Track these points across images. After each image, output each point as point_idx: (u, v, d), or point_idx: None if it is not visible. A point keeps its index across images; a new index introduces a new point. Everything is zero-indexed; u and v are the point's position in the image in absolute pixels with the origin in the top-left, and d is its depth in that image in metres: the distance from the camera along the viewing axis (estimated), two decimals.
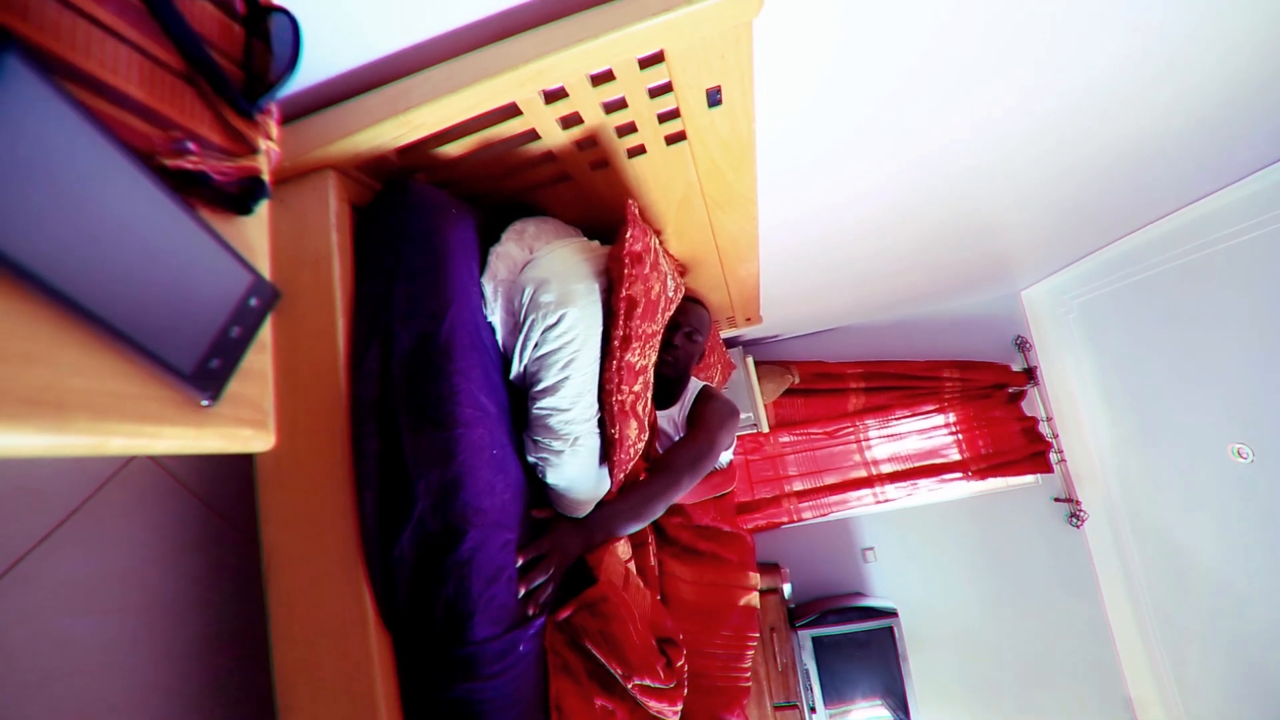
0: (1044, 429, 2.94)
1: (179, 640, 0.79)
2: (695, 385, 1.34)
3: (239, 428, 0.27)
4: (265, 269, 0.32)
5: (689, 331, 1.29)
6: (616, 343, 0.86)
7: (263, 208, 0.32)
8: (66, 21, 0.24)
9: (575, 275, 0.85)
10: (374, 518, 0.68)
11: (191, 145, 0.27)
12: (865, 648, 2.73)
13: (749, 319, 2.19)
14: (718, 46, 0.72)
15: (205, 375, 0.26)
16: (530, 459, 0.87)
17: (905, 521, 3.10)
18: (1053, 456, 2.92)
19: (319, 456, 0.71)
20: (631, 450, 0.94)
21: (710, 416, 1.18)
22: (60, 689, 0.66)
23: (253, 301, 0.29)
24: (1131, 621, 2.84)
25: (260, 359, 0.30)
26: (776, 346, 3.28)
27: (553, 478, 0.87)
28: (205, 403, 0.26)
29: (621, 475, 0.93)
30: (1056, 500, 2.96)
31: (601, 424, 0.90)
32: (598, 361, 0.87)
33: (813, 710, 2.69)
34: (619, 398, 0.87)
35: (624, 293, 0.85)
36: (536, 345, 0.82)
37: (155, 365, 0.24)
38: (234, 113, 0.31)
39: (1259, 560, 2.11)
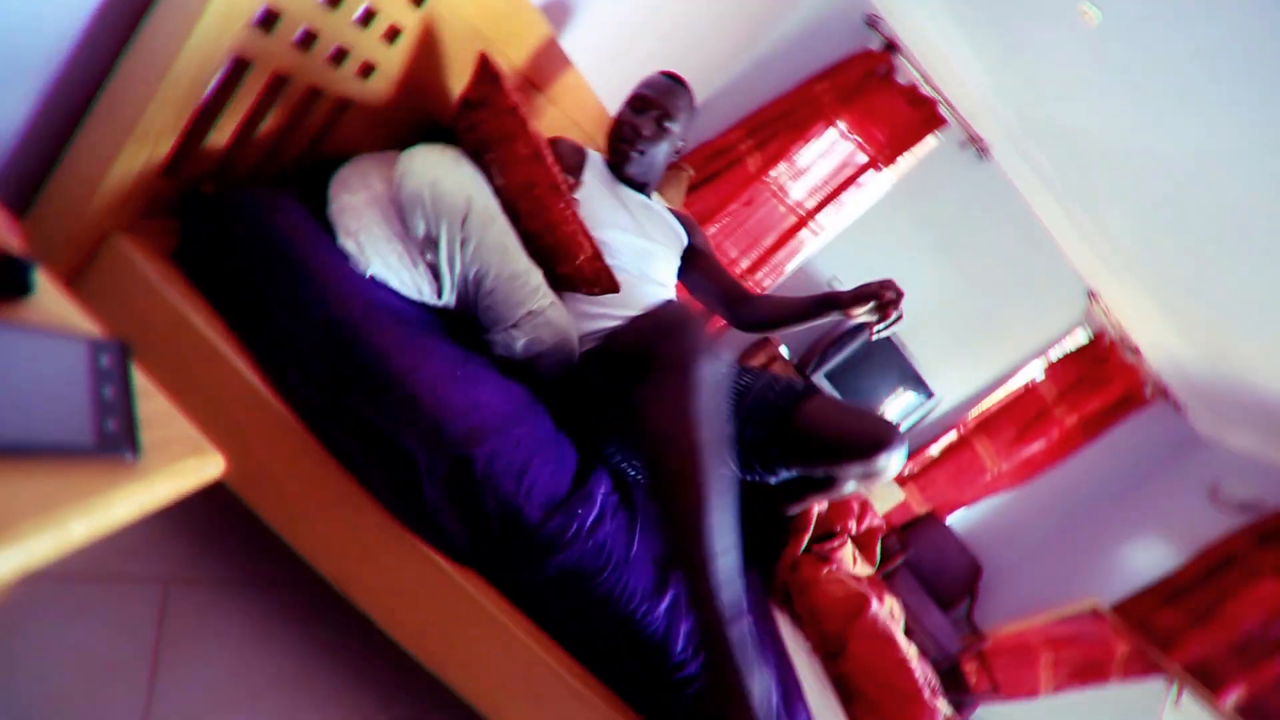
0: (925, 91, 2.98)
1: (331, 704, 0.86)
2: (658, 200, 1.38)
3: (180, 462, 0.29)
4: (93, 330, 0.31)
5: (658, 116, 1.22)
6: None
7: (41, 277, 0.30)
8: None
9: (449, 159, 0.82)
10: (392, 493, 0.72)
11: None
12: (869, 358, 3.04)
13: None
14: None
15: (111, 438, 0.26)
16: (519, 348, 0.89)
17: (852, 239, 3.26)
18: (941, 110, 3.00)
19: (310, 482, 0.73)
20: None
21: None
22: None
23: (104, 361, 0.28)
24: (1062, 218, 3.12)
25: (156, 403, 0.30)
26: None
27: (551, 342, 0.91)
28: (130, 458, 0.27)
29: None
30: (962, 146, 3.10)
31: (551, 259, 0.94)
32: (507, 222, 0.88)
33: None
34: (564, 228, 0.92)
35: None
36: (463, 243, 0.81)
37: (59, 453, 0.25)
38: None
39: (1129, 113, 2.27)
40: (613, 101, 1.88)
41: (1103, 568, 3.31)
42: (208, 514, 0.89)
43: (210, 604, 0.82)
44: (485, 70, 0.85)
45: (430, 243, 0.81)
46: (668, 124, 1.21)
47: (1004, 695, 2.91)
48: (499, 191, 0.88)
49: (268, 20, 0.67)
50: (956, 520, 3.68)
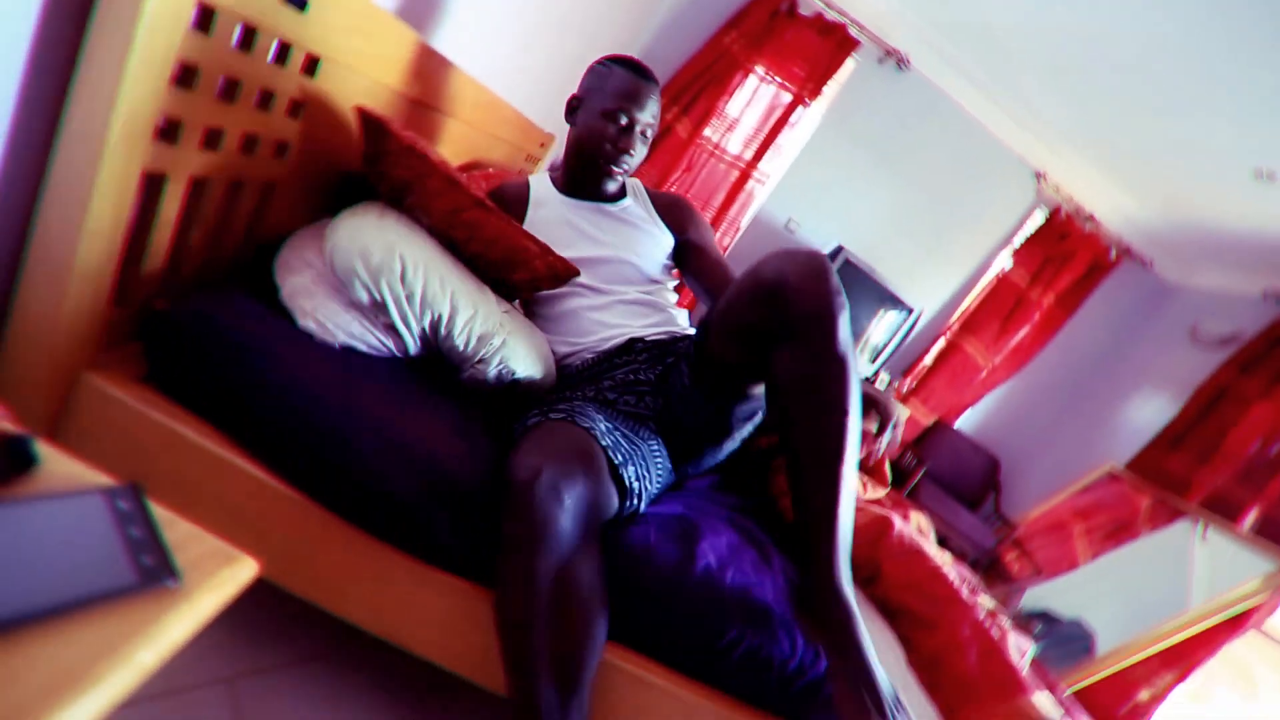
0: (831, 17, 2.99)
1: None
2: (634, 182, 1.30)
3: (217, 574, 0.32)
4: (102, 479, 0.33)
5: (644, 129, 1.15)
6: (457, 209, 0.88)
7: (41, 448, 0.32)
8: None
9: (370, 223, 0.83)
10: (417, 543, 0.76)
11: None
12: (845, 288, 3.08)
13: (543, 143, 2.11)
14: None
15: (151, 572, 0.29)
16: (491, 373, 0.92)
17: (798, 179, 3.29)
18: (852, 31, 3.01)
19: (337, 552, 0.76)
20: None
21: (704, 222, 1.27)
22: None
23: (122, 504, 0.31)
24: (993, 108, 3.16)
25: (179, 527, 0.33)
26: None
27: (520, 367, 0.93)
28: (172, 584, 0.30)
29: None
30: (880, 62, 3.12)
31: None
32: (450, 262, 0.89)
33: None
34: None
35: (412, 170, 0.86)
36: (408, 298, 0.83)
37: (111, 600, 0.27)
38: None
39: None
40: (530, 103, 1.88)
41: (1109, 431, 3.42)
42: (253, 606, 0.92)
43: (279, 688, 0.85)
44: (368, 123, 0.85)
45: (379, 307, 0.83)
46: (650, 133, 1.16)
47: (1047, 575, 3.01)
48: (431, 230, 0.89)
49: (170, 130, 0.68)
50: (964, 422, 3.77)
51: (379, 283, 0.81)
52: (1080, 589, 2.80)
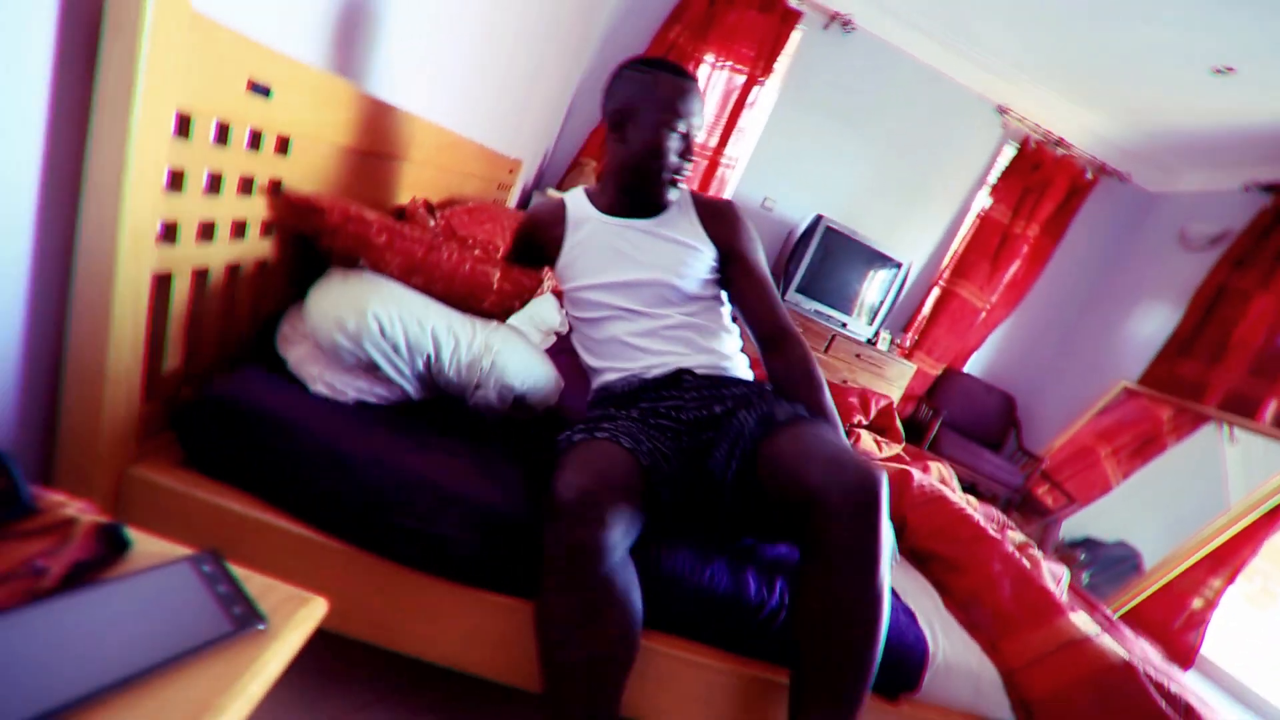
0: None
1: None
2: (681, 192, 1.18)
3: (296, 614, 0.37)
4: (183, 550, 0.39)
5: (690, 138, 1.08)
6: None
7: (130, 535, 0.38)
8: None
9: (336, 291, 0.88)
10: (453, 569, 0.81)
11: (40, 564, 0.32)
12: (830, 256, 3.11)
13: (511, 169, 2.17)
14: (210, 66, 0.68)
15: (242, 619, 0.35)
16: (493, 396, 0.96)
17: (766, 157, 3.33)
18: (791, 3, 3.05)
19: (389, 593, 0.82)
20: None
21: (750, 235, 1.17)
22: None
23: (206, 568, 0.36)
24: (944, 51, 3.19)
25: (255, 580, 0.38)
26: (549, 163, 3.24)
27: (516, 381, 0.97)
28: (262, 626, 0.35)
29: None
30: (826, 28, 3.16)
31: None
32: (423, 300, 0.93)
33: (844, 326, 3.15)
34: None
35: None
36: (394, 350, 0.88)
37: (216, 646, 0.33)
38: (25, 523, 0.35)
39: None
40: (492, 133, 1.94)
41: (1117, 350, 3.43)
42: (317, 662, 0.97)
43: None
44: (293, 208, 0.88)
45: (372, 365, 0.88)
46: (696, 141, 1.12)
47: (1082, 502, 3.01)
48: (394, 279, 0.94)
49: (169, 232, 0.74)
50: (973, 366, 3.79)
51: (362, 345, 0.86)
52: (1118, 510, 2.80)
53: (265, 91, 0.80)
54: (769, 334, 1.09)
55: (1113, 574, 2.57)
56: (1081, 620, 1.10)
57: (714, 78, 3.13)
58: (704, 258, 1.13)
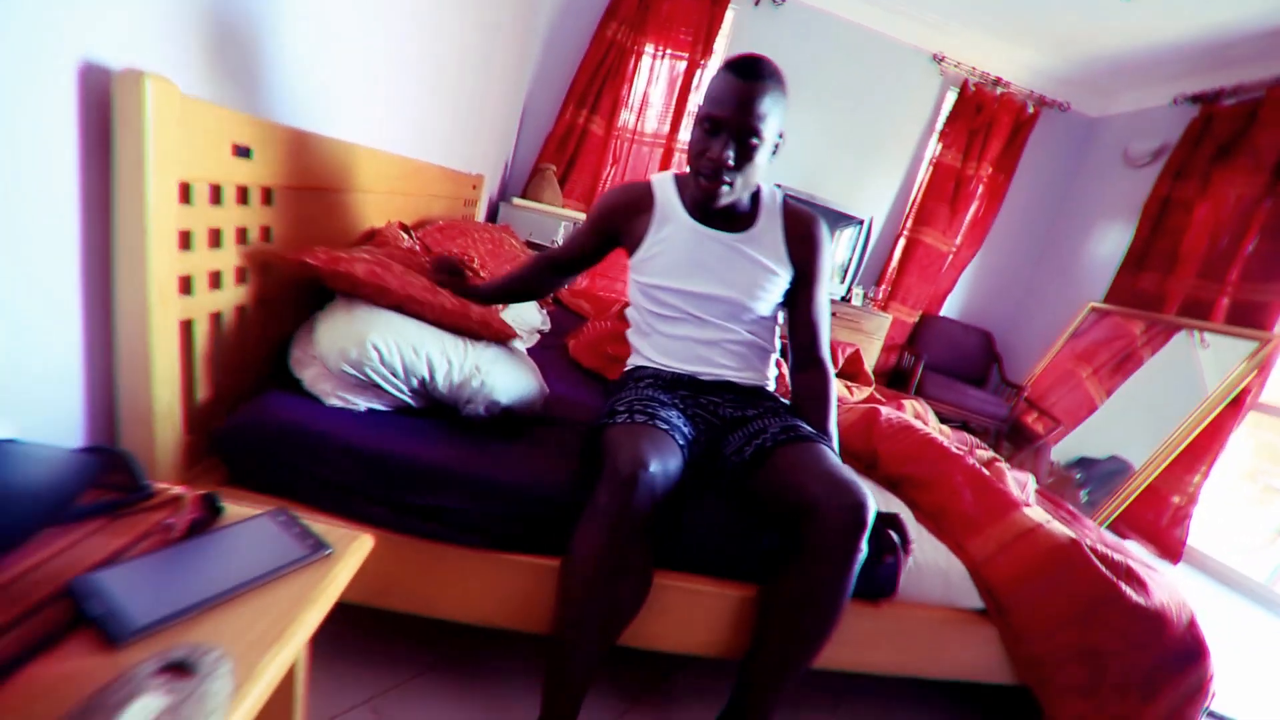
0: None
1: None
2: (766, 191, 1.18)
3: (351, 544, 0.50)
4: (260, 509, 0.52)
5: (739, 133, 0.99)
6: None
7: (222, 502, 0.51)
8: None
9: (340, 322, 1.00)
10: (476, 536, 0.95)
11: (169, 521, 0.45)
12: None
13: (475, 185, 2.28)
14: (196, 139, 0.80)
15: (314, 546, 0.48)
16: (481, 410, 1.07)
17: None
18: None
19: (422, 566, 0.95)
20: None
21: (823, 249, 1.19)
22: None
23: (281, 518, 0.50)
24: (871, 7, 3.30)
25: (318, 524, 0.52)
26: (510, 173, 3.34)
27: (503, 397, 1.08)
28: (329, 551, 0.48)
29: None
30: (756, 4, 3.26)
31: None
32: (417, 325, 1.04)
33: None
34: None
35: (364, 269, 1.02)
36: (392, 373, 1.00)
37: (296, 566, 0.46)
38: (141, 504, 0.48)
39: None
40: (452, 153, 2.05)
41: (1081, 272, 3.57)
42: (363, 638, 1.10)
43: (408, 699, 1.03)
44: (290, 266, 1.01)
45: (374, 385, 1.02)
46: (753, 139, 0.98)
47: (1070, 424, 3.11)
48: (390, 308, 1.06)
49: (186, 284, 0.86)
50: (949, 309, 3.93)
51: (364, 370, 0.99)
52: (1107, 427, 2.88)
53: (246, 152, 0.92)
54: (806, 357, 1.19)
55: (1109, 488, 2.64)
56: (1035, 512, 1.23)
57: (657, 67, 3.24)
58: (779, 282, 1.16)
